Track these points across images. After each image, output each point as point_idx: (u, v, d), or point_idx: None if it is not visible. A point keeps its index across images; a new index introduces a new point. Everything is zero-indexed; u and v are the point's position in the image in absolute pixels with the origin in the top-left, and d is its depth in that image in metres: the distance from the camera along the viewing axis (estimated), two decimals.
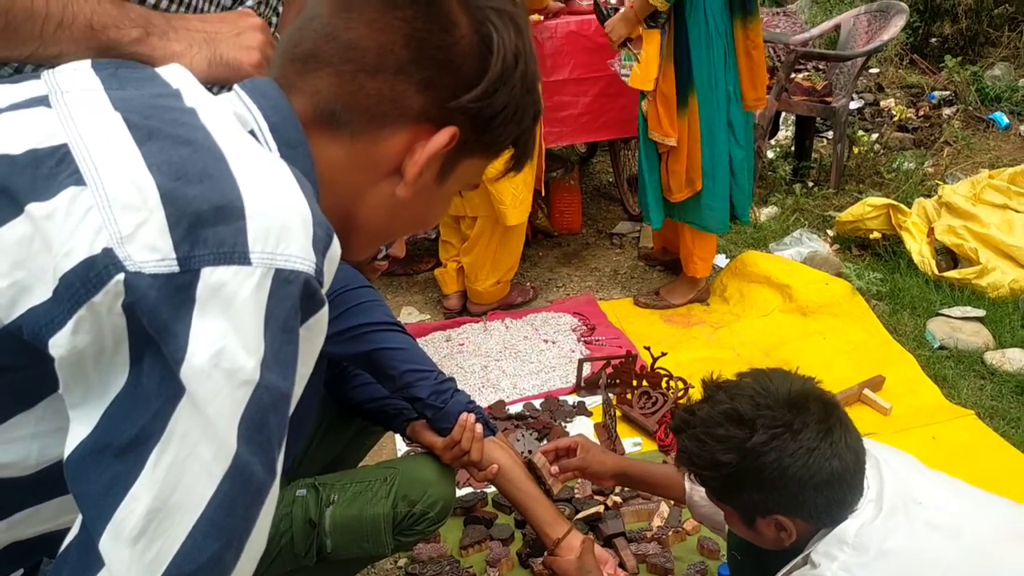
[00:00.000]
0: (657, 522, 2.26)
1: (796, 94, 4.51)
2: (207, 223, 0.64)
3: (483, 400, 2.84)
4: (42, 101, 0.73)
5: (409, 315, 3.55)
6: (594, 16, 3.38)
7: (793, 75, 4.72)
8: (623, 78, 3.21)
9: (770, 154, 4.90)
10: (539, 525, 1.86)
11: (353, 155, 0.81)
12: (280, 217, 0.68)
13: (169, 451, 0.63)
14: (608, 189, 4.71)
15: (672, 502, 2.32)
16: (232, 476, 0.65)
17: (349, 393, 1.93)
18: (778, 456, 1.27)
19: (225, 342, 0.63)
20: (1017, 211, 3.59)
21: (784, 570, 1.35)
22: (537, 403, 2.85)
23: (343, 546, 1.70)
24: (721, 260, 3.84)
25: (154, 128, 0.69)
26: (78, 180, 0.65)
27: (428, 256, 3.89)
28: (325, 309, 0.72)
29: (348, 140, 0.81)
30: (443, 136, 0.80)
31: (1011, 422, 2.66)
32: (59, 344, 0.63)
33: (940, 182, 4.37)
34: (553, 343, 3.23)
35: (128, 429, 0.63)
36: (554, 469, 1.95)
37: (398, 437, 2.65)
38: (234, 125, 0.75)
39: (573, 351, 3.16)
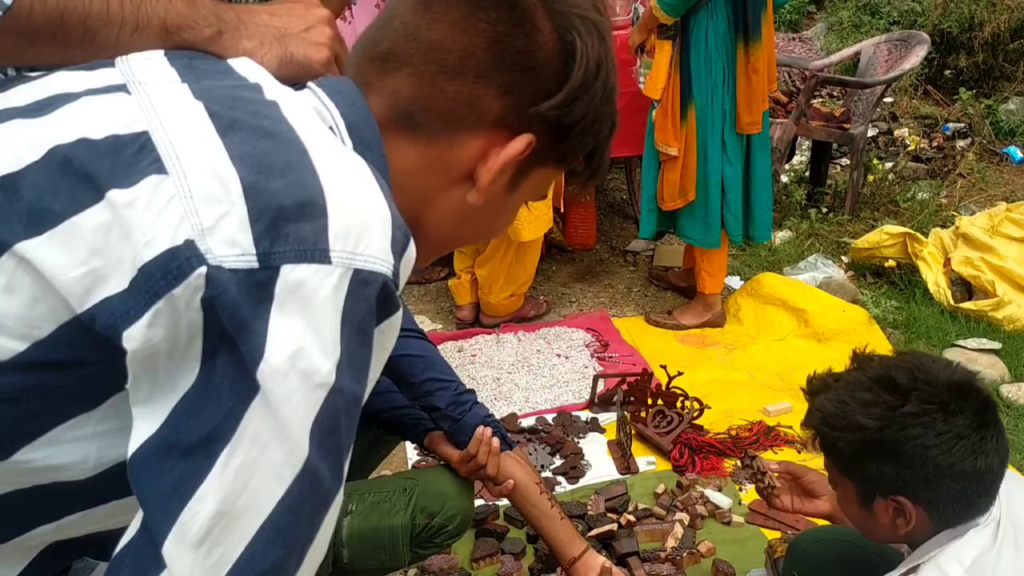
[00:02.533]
0: (671, 543, 2.24)
1: (814, 119, 4.51)
2: (289, 219, 0.62)
3: (496, 412, 2.81)
4: (121, 88, 0.71)
5: (421, 324, 3.53)
6: (621, 31, 3.40)
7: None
8: (640, 85, 3.28)
9: (784, 178, 4.89)
10: (555, 543, 1.83)
11: (427, 158, 0.79)
12: (361, 216, 0.66)
13: (239, 452, 0.61)
14: (622, 206, 4.70)
15: (687, 522, 2.30)
16: (301, 481, 0.63)
17: (367, 401, 1.91)
18: (924, 433, 1.22)
19: (303, 342, 0.61)
20: None
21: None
22: (550, 417, 2.83)
23: (359, 556, 1.67)
24: (735, 282, 3.83)
25: (236, 119, 0.67)
26: (160, 168, 0.63)
27: (440, 265, 3.88)
28: (400, 313, 0.70)
29: (423, 143, 0.79)
30: (519, 143, 0.78)
31: None
32: (134, 337, 0.61)
33: (955, 213, 4.37)
34: (566, 358, 3.21)
35: (198, 428, 0.61)
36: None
37: (409, 447, 2.63)
38: (316, 120, 0.73)
39: (586, 367, 3.14)
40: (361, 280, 0.64)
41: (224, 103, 0.69)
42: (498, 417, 2.76)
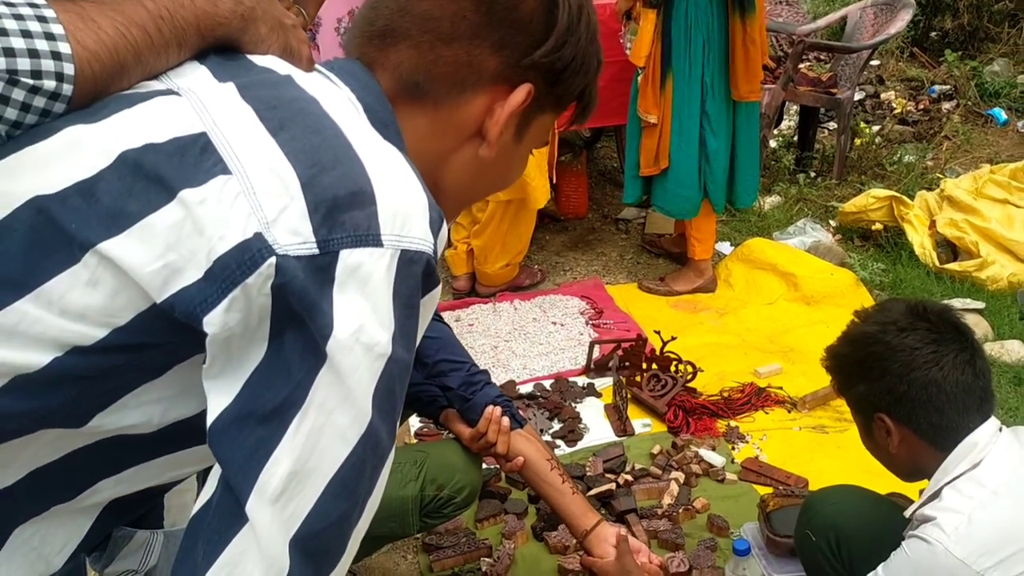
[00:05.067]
0: (667, 500, 2.33)
1: (802, 84, 4.56)
2: (343, 208, 0.69)
3: (494, 380, 2.87)
4: (169, 92, 0.77)
5: None
6: (610, 1, 3.44)
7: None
8: (626, 52, 3.35)
9: (772, 144, 4.95)
10: (568, 517, 1.86)
11: (437, 122, 0.85)
12: (405, 202, 0.72)
13: (308, 418, 0.68)
14: (613, 174, 4.75)
15: (682, 481, 2.39)
16: (364, 442, 0.70)
17: None
18: (882, 349, 1.38)
19: (364, 319, 0.68)
20: (1017, 206, 3.66)
21: (916, 506, 1.39)
22: (547, 383, 2.91)
23: (370, 524, 1.74)
24: (725, 247, 3.90)
25: (284, 118, 0.73)
26: (224, 169, 0.69)
27: None
28: (439, 287, 0.77)
29: (432, 108, 0.85)
30: (520, 93, 0.85)
31: (1009, 411, 2.73)
32: (213, 322, 0.67)
33: (940, 175, 4.44)
34: (562, 325, 3.29)
35: (271, 398, 0.68)
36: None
37: (411, 420, 2.71)
38: (352, 112, 0.79)
39: (581, 334, 3.22)
40: (408, 260, 0.71)
41: (269, 103, 0.75)
42: (496, 384, 2.85)
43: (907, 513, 1.40)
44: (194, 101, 0.75)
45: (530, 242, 3.65)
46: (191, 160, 0.70)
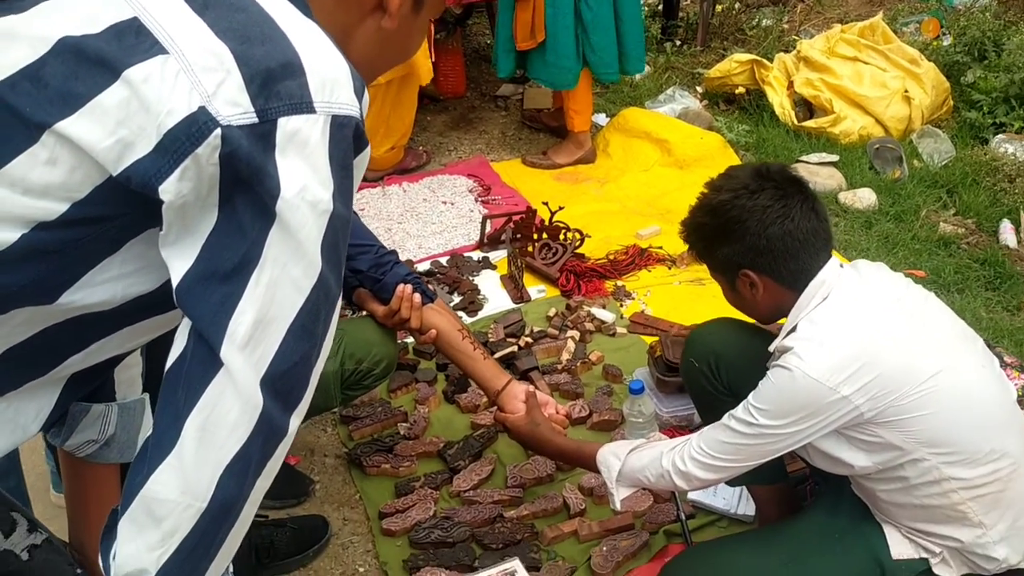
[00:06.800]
0: (566, 356, 2.52)
1: None
2: (277, 79, 0.75)
3: None
4: None
5: None
6: None
7: None
8: None
9: None
10: (481, 380, 1.99)
11: None
12: (331, 71, 0.79)
13: (265, 272, 0.76)
14: (487, 52, 4.77)
15: (577, 338, 2.58)
16: (317, 289, 0.79)
17: None
18: (739, 213, 1.52)
19: (307, 179, 0.76)
20: (866, 63, 3.93)
21: (777, 341, 1.56)
22: (444, 260, 3.02)
23: None
24: (601, 119, 4.04)
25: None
26: (161, 49, 0.74)
27: None
28: (369, 148, 0.84)
29: None
30: None
31: (861, 252, 3.04)
32: (168, 190, 0.74)
33: (796, 37, 4.68)
34: (452, 204, 3.38)
35: (230, 257, 0.76)
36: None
37: None
38: None
39: (472, 211, 3.32)
40: (339, 124, 0.78)
41: None
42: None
43: (771, 348, 1.58)
44: None
45: (413, 124, 3.67)
46: (129, 43, 0.75)
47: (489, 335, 2.58)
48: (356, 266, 1.94)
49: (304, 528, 2.01)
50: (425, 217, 3.30)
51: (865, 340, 1.46)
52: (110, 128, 0.74)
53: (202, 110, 0.73)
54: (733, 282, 1.61)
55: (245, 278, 0.76)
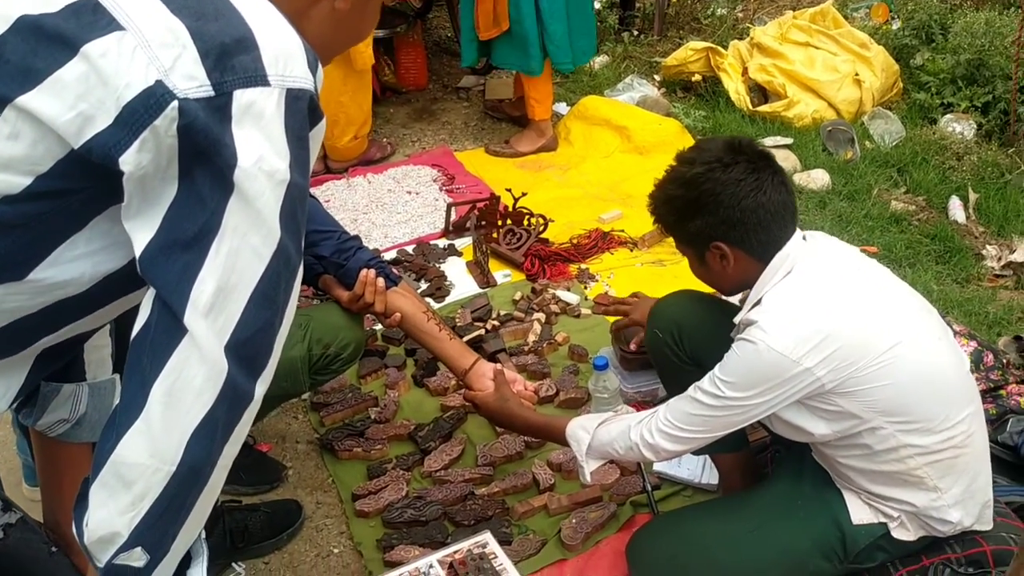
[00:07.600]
0: (532, 338, 2.57)
1: None
2: (231, 54, 0.78)
3: None
4: None
5: None
6: None
7: None
8: None
9: (597, 5, 5.11)
10: (448, 359, 2.01)
11: None
12: (284, 46, 0.82)
13: (225, 241, 0.79)
14: (448, 44, 4.80)
15: (543, 320, 2.63)
16: (277, 257, 0.82)
17: None
18: (713, 186, 1.54)
19: (263, 150, 0.79)
20: (818, 48, 4.02)
21: (741, 314, 1.59)
22: (410, 248, 3.05)
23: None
24: (562, 108, 4.09)
25: None
26: (118, 26, 0.77)
27: None
28: (324, 121, 0.87)
29: None
30: None
31: (816, 230, 3.11)
32: (128, 161, 0.76)
33: (750, 24, 4.77)
34: (417, 194, 3.41)
35: (190, 227, 0.78)
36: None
37: None
38: None
39: (436, 199, 3.36)
40: (294, 97, 0.81)
41: None
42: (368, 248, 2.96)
43: (736, 319, 1.61)
44: None
45: (376, 116, 3.70)
46: (87, 20, 0.78)
47: (457, 320, 2.61)
48: (319, 252, 1.96)
49: (278, 512, 2.03)
50: (390, 207, 3.33)
51: (827, 314, 1.50)
52: (70, 102, 0.76)
53: (159, 83, 0.75)
54: (703, 255, 1.62)
55: (206, 247, 0.78)
